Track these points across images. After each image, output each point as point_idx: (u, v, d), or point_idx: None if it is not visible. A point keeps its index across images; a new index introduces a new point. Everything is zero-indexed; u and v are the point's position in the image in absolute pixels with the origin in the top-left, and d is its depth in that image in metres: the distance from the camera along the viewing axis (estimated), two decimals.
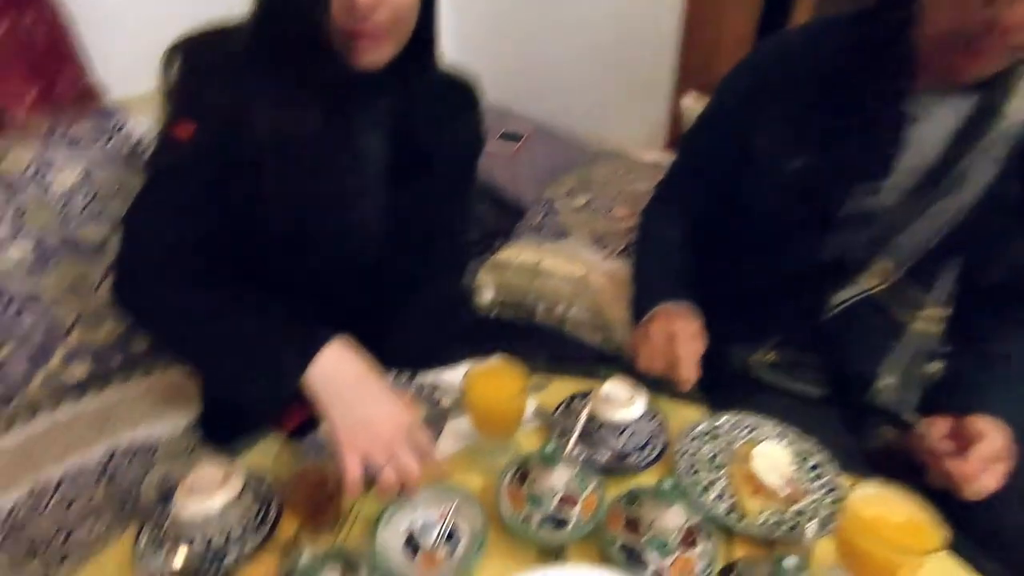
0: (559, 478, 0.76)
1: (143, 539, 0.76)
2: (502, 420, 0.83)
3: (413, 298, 1.13)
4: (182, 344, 0.86)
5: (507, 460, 0.86)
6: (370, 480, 0.73)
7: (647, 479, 0.83)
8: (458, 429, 0.94)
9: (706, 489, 0.82)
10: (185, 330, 0.83)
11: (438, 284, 1.21)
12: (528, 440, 0.93)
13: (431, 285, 1.18)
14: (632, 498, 0.76)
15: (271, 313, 0.80)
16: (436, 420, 0.94)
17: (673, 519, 0.71)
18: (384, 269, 1.05)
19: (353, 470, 0.71)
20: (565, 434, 0.85)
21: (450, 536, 0.76)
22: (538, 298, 1.39)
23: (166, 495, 0.77)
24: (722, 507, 0.79)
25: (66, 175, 1.17)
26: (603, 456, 0.86)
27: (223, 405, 1.13)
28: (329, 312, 1.05)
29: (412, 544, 0.75)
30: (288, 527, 0.79)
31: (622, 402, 0.86)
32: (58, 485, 1.05)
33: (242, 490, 0.75)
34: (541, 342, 1.42)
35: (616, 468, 0.85)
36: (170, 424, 1.14)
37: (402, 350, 1.05)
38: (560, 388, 1.03)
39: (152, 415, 1.17)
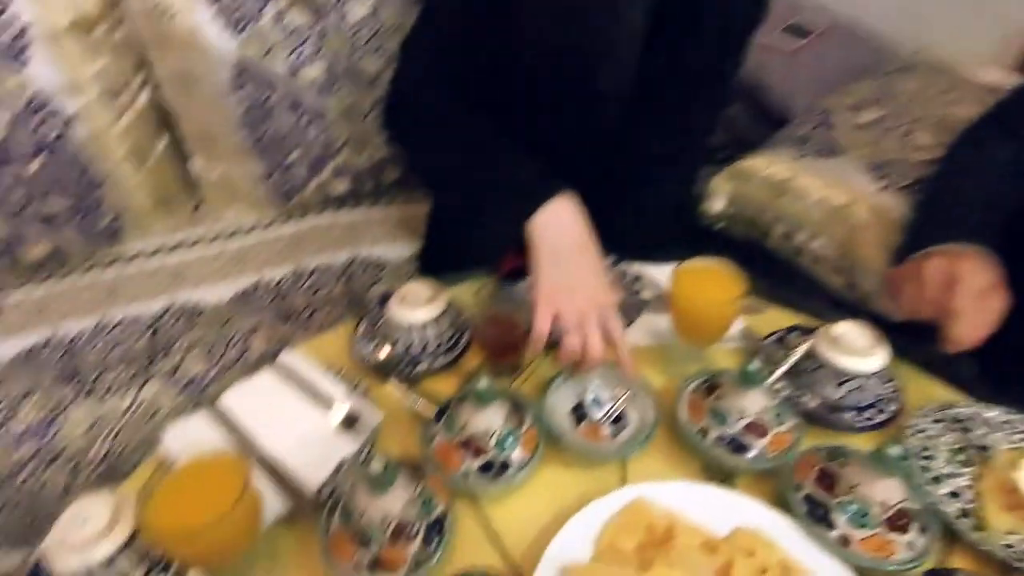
0: (753, 402, 0.68)
1: (360, 330, 0.88)
2: (705, 324, 0.75)
3: (643, 183, 1.06)
4: (432, 169, 0.93)
5: (697, 369, 0.79)
6: (554, 341, 0.73)
7: (858, 442, 0.69)
8: (652, 325, 0.89)
9: (937, 481, 0.66)
10: (438, 155, 0.89)
11: (671, 174, 1.11)
12: (724, 358, 0.84)
13: (664, 174, 1.09)
14: (835, 454, 0.65)
15: (519, 155, 0.82)
16: (631, 311, 0.89)
17: (884, 492, 0.59)
18: (622, 142, 0.99)
19: (542, 324, 0.71)
20: (772, 364, 0.75)
21: (617, 419, 0.74)
22: (777, 219, 1.20)
23: (383, 299, 0.87)
24: (954, 507, 0.63)
25: (359, 7, 1.29)
26: (811, 402, 0.74)
27: (447, 242, 1.23)
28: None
29: (579, 413, 0.75)
30: (472, 360, 0.85)
31: (856, 349, 0.72)
32: (311, 273, 1.28)
33: (442, 313, 0.82)
34: (767, 270, 1.25)
35: (823, 419, 0.73)
36: (400, 248, 1.30)
37: (619, 235, 1.01)
38: (777, 318, 0.90)
39: (387, 237, 1.35)
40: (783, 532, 0.61)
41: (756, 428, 0.67)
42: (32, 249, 1.25)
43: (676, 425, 0.72)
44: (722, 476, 0.70)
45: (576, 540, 0.61)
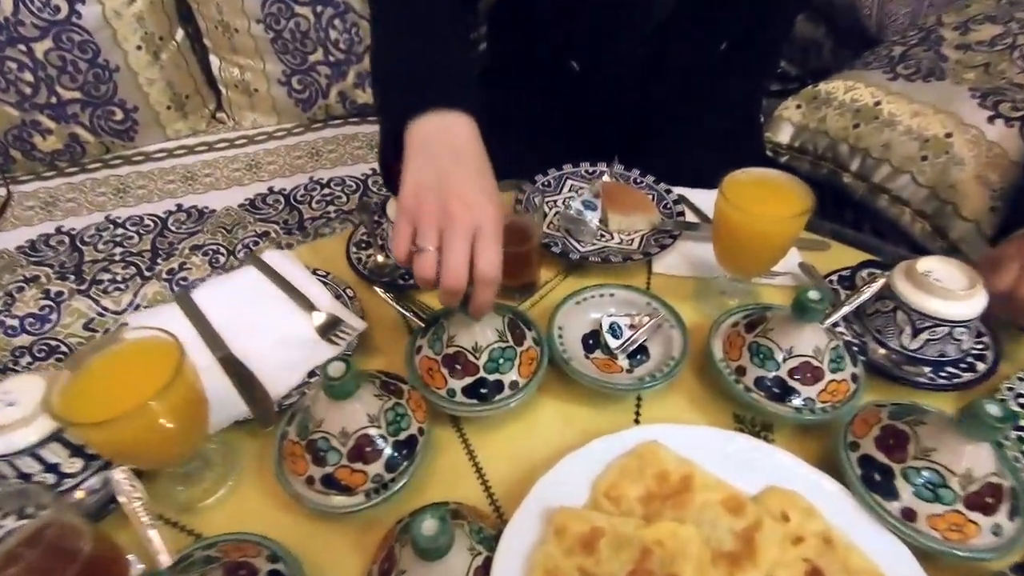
0: (806, 340, 0.55)
1: (357, 235, 0.78)
2: (756, 247, 0.61)
3: (694, 99, 0.92)
4: (375, 36, 0.72)
5: (739, 303, 0.66)
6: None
7: (934, 402, 0.56)
8: (691, 253, 0.76)
9: None
10: (383, 21, 0.70)
11: (727, 91, 0.95)
12: (772, 296, 0.71)
13: (719, 90, 0.93)
14: (904, 412, 0.52)
15: (453, 54, 0.65)
16: (665, 234, 0.76)
17: (969, 461, 0.46)
18: (671, 48, 0.84)
19: (399, 236, 0.52)
20: (834, 305, 0.61)
21: (636, 352, 0.63)
22: (854, 152, 1.03)
23: (386, 202, 0.77)
24: None
25: None
26: (879, 350, 0.61)
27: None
28: (606, 110, 0.92)
29: (592, 340, 0.64)
30: None
31: (945, 291, 0.57)
32: (326, 184, 1.20)
33: None
34: (837, 211, 1.09)
35: (891, 371, 0.59)
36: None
37: (666, 158, 0.88)
38: (844, 256, 0.75)
39: None
40: (828, 497, 0.49)
41: (807, 371, 0.54)
42: (46, 140, 1.20)
43: (707, 362, 0.60)
44: (757, 426, 0.58)
45: (570, 481, 0.51)
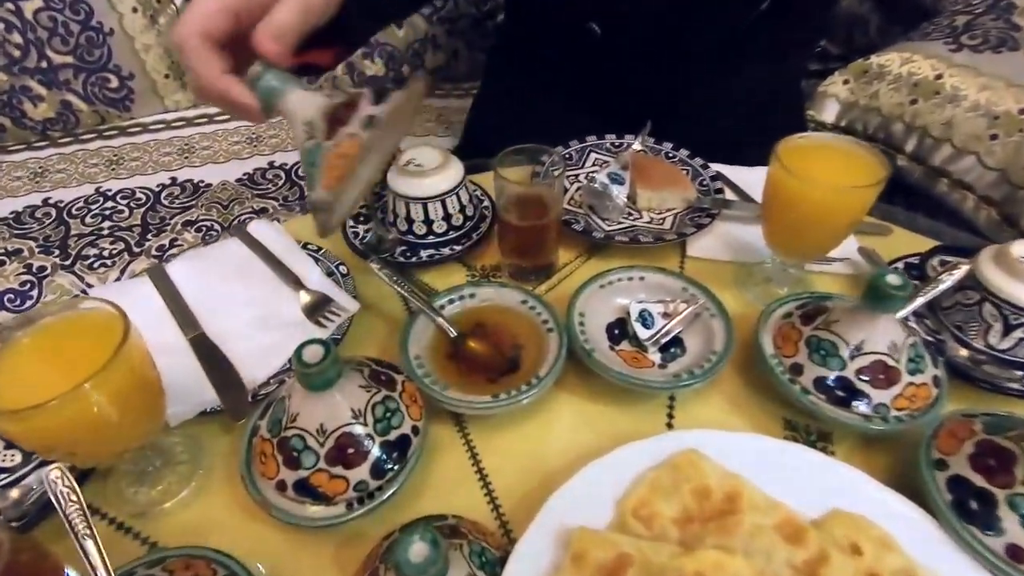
0: (880, 335, 0.45)
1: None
2: (819, 223, 0.52)
3: (728, 66, 0.82)
4: None
5: (791, 290, 0.57)
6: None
7: None
8: (732, 235, 0.67)
9: None
10: None
11: (764, 59, 0.86)
12: (826, 284, 0.62)
13: (760, 62, 0.84)
14: (1002, 425, 0.42)
15: None
16: (700, 213, 0.67)
17: None
18: (703, 22, 0.75)
19: None
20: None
21: (669, 345, 0.54)
22: (911, 131, 0.93)
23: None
24: None
25: None
26: (960, 350, 0.51)
27: (488, 140, 1.04)
28: (630, 78, 0.83)
29: (619, 330, 0.55)
30: (486, 256, 0.66)
31: None
32: None
33: (455, 187, 0.63)
34: (888, 197, 0.98)
35: (975, 375, 0.50)
36: (433, 143, 1.12)
37: (700, 130, 0.78)
38: (908, 242, 0.66)
39: (420, 130, 1.16)
40: (907, 525, 0.41)
41: (879, 371, 0.45)
42: (37, 107, 1.14)
43: (754, 358, 0.52)
44: (813, 434, 0.49)
45: (591, 495, 0.43)
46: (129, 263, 0.96)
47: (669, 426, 0.51)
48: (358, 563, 0.42)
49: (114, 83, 1.16)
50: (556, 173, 0.59)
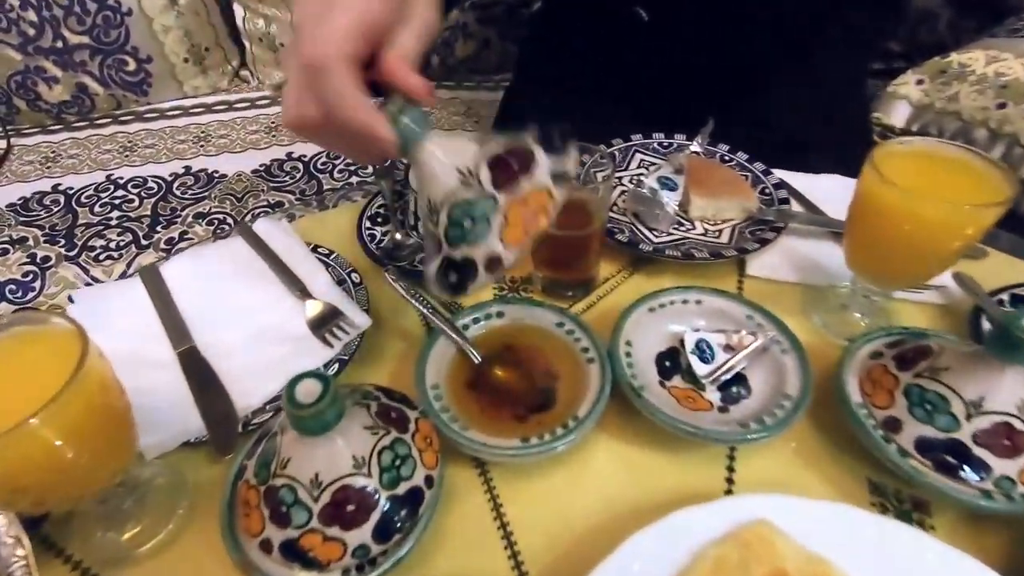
0: (1007, 391, 0.37)
1: (372, 208, 0.63)
2: (925, 244, 0.42)
3: (789, 68, 0.73)
4: None
5: (873, 321, 0.49)
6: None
7: None
8: (799, 253, 0.58)
9: None
10: None
11: (834, 59, 0.77)
12: (912, 314, 0.53)
13: (826, 56, 0.75)
14: None
15: None
16: (759, 230, 0.59)
17: None
18: (765, 10, 0.66)
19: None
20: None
21: (731, 383, 0.46)
22: (1000, 137, 0.82)
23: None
24: None
25: None
26: None
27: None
28: (678, 70, 0.75)
29: (671, 361, 0.47)
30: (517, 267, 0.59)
31: None
32: None
33: None
34: None
35: None
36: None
37: (758, 132, 0.70)
38: (1007, 267, 0.56)
39: (448, 122, 1.10)
40: None
41: (1003, 436, 0.36)
42: (52, 89, 1.09)
43: (838, 404, 0.43)
44: (905, 502, 0.41)
45: (639, 573, 0.35)
46: (136, 256, 0.91)
47: (729, 481, 0.43)
48: None
49: (131, 66, 1.12)
50: (603, 175, 0.51)
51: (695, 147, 0.66)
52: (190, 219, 0.95)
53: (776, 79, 0.77)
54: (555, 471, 0.43)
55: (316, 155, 1.07)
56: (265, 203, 0.98)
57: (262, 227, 0.59)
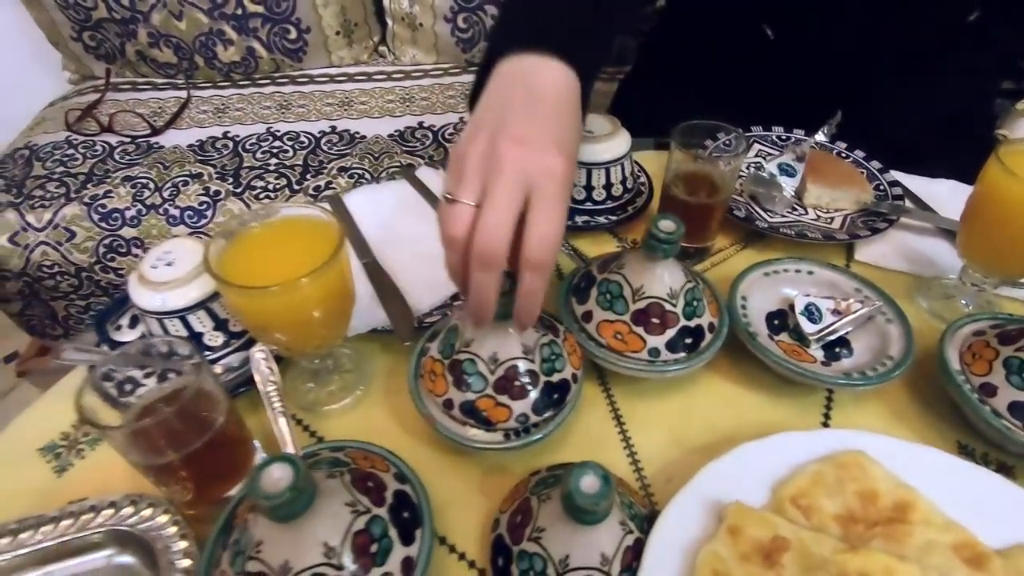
0: None
1: None
2: None
3: (925, 89, 0.75)
4: None
5: (978, 311, 0.52)
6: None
7: None
8: (907, 245, 0.62)
9: None
10: None
11: (967, 81, 0.78)
12: (1018, 309, 0.56)
13: (959, 78, 0.77)
14: None
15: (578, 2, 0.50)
16: (872, 220, 0.63)
17: None
18: (899, 32, 0.69)
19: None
20: None
21: (835, 344, 0.51)
22: None
23: None
24: None
25: None
26: None
27: (633, 118, 1.02)
28: (803, 88, 0.75)
29: (780, 320, 0.53)
30: (637, 229, 0.66)
31: None
32: None
33: (621, 157, 0.63)
34: None
35: None
36: None
37: (877, 136, 0.72)
38: None
39: None
40: None
41: None
42: (227, 50, 1.26)
43: (932, 373, 0.48)
44: (992, 464, 0.45)
45: (745, 475, 0.42)
46: (290, 198, 1.05)
47: (825, 426, 0.49)
48: (501, 493, 0.44)
49: (293, 34, 1.27)
50: (738, 151, 0.57)
51: (820, 136, 0.70)
52: (335, 172, 1.08)
53: (901, 97, 0.78)
54: (668, 395, 0.50)
55: (444, 126, 1.18)
56: (398, 164, 1.10)
57: (423, 173, 0.69)
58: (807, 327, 0.51)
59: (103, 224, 1.02)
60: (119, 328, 0.53)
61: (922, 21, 0.72)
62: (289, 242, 0.44)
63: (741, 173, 0.70)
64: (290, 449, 0.42)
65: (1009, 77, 1.17)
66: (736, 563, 0.37)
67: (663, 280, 0.47)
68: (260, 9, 1.21)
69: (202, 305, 0.47)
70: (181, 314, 0.47)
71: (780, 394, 0.50)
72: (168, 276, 0.46)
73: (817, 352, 0.51)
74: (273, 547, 0.32)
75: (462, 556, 0.42)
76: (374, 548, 0.34)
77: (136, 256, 1.04)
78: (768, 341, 0.51)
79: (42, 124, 1.21)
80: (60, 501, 0.43)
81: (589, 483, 0.34)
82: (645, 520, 0.39)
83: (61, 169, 1.09)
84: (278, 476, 0.30)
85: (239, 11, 1.21)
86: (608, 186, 0.64)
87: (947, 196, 0.68)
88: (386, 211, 0.64)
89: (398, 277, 0.57)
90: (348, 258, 0.44)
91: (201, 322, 0.48)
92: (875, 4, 0.69)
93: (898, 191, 0.66)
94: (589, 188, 0.64)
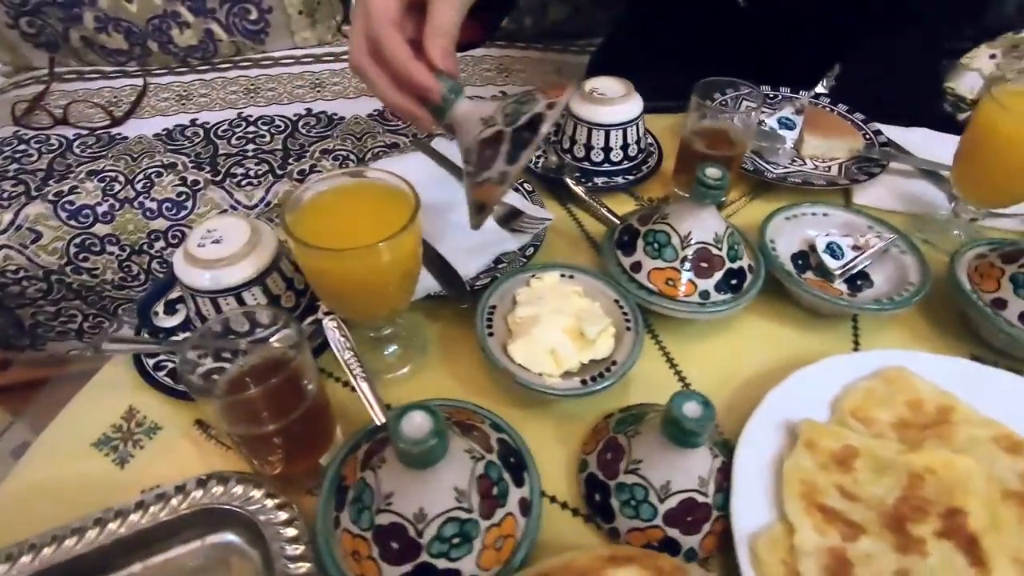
0: None
1: None
2: None
3: (891, 43, 0.81)
4: None
5: (969, 239, 0.58)
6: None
7: None
8: (900, 187, 0.68)
9: None
10: None
11: (921, 38, 0.84)
12: (1007, 236, 0.62)
13: (913, 36, 0.83)
14: None
15: None
16: (866, 166, 0.68)
17: None
18: None
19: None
20: None
21: (856, 278, 0.56)
22: None
23: None
24: None
25: None
26: None
27: None
28: (776, 53, 0.78)
29: (803, 260, 0.57)
30: (656, 187, 0.69)
31: None
32: None
33: (635, 118, 0.65)
34: None
35: None
36: None
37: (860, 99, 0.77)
38: None
39: (539, 81, 1.18)
40: None
41: None
42: (183, 33, 1.19)
43: (946, 299, 0.53)
44: (1009, 367, 0.50)
45: (805, 397, 0.45)
46: (273, 184, 1.01)
47: (855, 351, 0.53)
48: (577, 440, 0.46)
49: (254, 15, 1.21)
50: (747, 107, 0.60)
51: (820, 88, 0.75)
52: (317, 154, 1.05)
53: (864, 60, 0.84)
54: (713, 337, 0.54)
55: None
56: (383, 143, 1.08)
57: (439, 144, 0.69)
58: (831, 263, 0.55)
59: (72, 222, 0.96)
60: (156, 314, 0.51)
61: None
62: (362, 208, 0.43)
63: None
64: (377, 411, 0.42)
65: (954, 38, 1.27)
66: (818, 472, 0.40)
67: (709, 225, 0.50)
68: None
69: (258, 280, 0.46)
70: (237, 291, 0.45)
71: (810, 327, 0.54)
72: (219, 253, 0.45)
73: (841, 286, 0.55)
74: (405, 497, 0.33)
75: (553, 499, 0.43)
76: (495, 491, 0.36)
77: (111, 254, 0.99)
78: (798, 279, 0.55)
79: None
80: (132, 491, 0.42)
81: (692, 408, 0.36)
82: (724, 446, 0.42)
83: (15, 166, 1.01)
84: (419, 422, 0.31)
85: None
86: (625, 147, 0.66)
87: (922, 143, 0.74)
88: (412, 182, 0.63)
89: (438, 246, 0.57)
90: (420, 228, 0.44)
91: (255, 299, 0.46)
92: None
93: (883, 139, 0.72)
94: (607, 149, 0.66)
